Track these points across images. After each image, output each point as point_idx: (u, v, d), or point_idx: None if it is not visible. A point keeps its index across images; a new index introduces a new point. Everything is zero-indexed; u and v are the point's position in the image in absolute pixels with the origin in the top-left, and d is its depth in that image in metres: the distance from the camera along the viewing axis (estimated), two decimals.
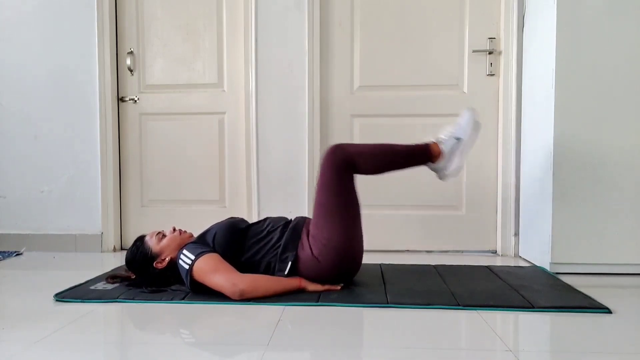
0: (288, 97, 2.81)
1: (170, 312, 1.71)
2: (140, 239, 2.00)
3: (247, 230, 2.02)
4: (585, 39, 2.23)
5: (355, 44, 2.83)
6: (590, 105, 2.24)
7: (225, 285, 1.78)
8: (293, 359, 1.33)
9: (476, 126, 2.03)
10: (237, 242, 1.96)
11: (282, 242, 1.95)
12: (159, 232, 2.01)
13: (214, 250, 1.88)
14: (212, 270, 1.81)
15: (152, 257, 1.95)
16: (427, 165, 2.06)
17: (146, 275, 1.95)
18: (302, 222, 2.04)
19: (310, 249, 1.92)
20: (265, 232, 2.00)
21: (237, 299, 1.77)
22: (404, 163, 2.05)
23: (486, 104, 2.79)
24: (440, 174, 2.07)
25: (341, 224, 1.93)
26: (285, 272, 1.92)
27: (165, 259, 1.94)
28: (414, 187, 2.83)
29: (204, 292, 1.83)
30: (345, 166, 1.95)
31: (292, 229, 1.99)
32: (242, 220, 2.09)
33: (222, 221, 2.05)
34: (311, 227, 1.96)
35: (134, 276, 1.99)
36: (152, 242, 1.97)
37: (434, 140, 2.04)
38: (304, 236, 1.96)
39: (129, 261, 1.99)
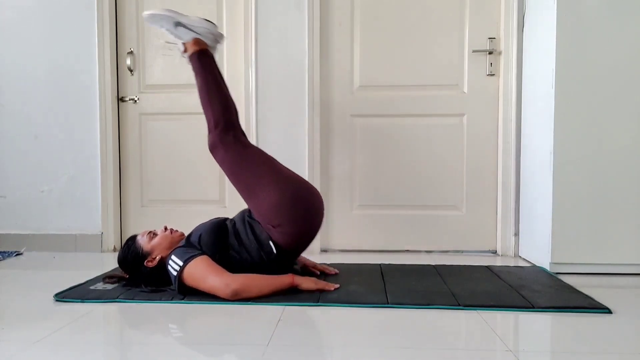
0: (288, 97, 2.81)
1: (170, 312, 1.71)
2: (132, 239, 2.01)
3: (228, 228, 2.03)
4: (585, 39, 2.23)
5: (355, 44, 2.83)
6: (590, 105, 2.24)
7: (218, 287, 1.78)
8: (293, 359, 1.33)
9: (155, 10, 2.13)
10: (223, 241, 1.96)
11: (250, 232, 1.97)
12: (150, 232, 2.02)
13: (202, 253, 1.88)
14: (203, 274, 1.80)
15: (143, 255, 1.95)
16: (213, 50, 2.19)
17: (138, 274, 1.96)
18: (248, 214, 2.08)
19: (271, 226, 1.95)
20: (239, 229, 2.01)
21: (231, 299, 1.77)
22: (214, 77, 2.13)
23: (486, 104, 2.79)
24: (217, 40, 2.20)
25: (271, 186, 1.96)
26: (274, 252, 1.94)
27: (156, 257, 1.94)
28: (414, 187, 2.83)
29: (193, 295, 1.83)
30: (228, 141, 2.05)
31: (247, 219, 2.03)
32: (225, 219, 2.10)
33: (205, 222, 2.06)
34: (255, 214, 2.00)
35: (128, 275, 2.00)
36: (143, 241, 1.98)
37: (183, 49, 2.15)
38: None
39: (120, 260, 2.00)
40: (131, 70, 2.95)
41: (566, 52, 2.24)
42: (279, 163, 2.10)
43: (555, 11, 2.24)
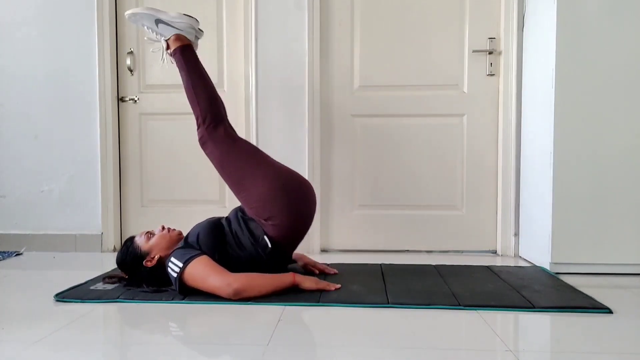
0: (288, 97, 2.81)
1: (171, 312, 1.70)
2: (130, 240, 2.01)
3: (224, 227, 2.03)
4: (585, 39, 2.23)
5: (355, 43, 2.83)
6: (590, 105, 2.24)
7: (219, 286, 1.78)
8: (293, 359, 1.33)
9: (135, 9, 2.16)
10: (221, 240, 1.96)
11: (245, 229, 1.98)
12: (148, 232, 2.01)
13: (201, 253, 1.87)
14: (203, 274, 1.80)
15: (141, 256, 1.95)
16: (195, 46, 2.21)
17: (137, 274, 1.95)
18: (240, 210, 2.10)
19: (263, 220, 1.96)
20: (233, 227, 2.02)
21: (232, 299, 1.77)
22: (199, 71, 2.16)
23: (486, 104, 2.79)
24: (198, 35, 2.21)
25: (259, 176, 2.00)
26: (269, 246, 1.94)
27: (154, 257, 1.94)
28: (414, 187, 2.83)
29: (194, 295, 1.83)
30: (215, 134, 2.09)
31: (240, 215, 2.05)
32: (220, 218, 2.10)
33: (202, 222, 2.06)
34: (245, 208, 2.03)
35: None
36: (141, 241, 1.98)
37: (167, 47, 2.18)
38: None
39: (119, 262, 1.99)
40: (131, 70, 2.95)
41: (566, 52, 2.24)
42: (268, 156, 2.13)
43: (555, 11, 2.24)
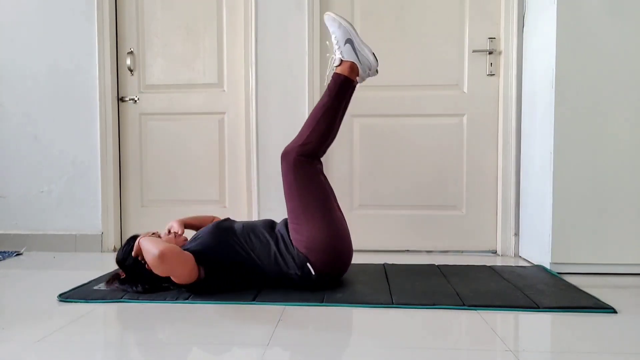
0: (288, 97, 2.81)
1: (172, 312, 1.71)
2: (133, 239, 1.97)
3: (234, 229, 1.98)
4: (585, 39, 2.23)
5: None
6: (590, 105, 2.24)
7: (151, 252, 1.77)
8: (293, 359, 1.32)
9: (340, 18, 2.04)
10: (225, 239, 1.92)
11: (287, 254, 1.92)
12: (154, 233, 1.97)
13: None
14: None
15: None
16: (357, 82, 2.06)
17: (137, 275, 1.92)
18: (283, 228, 2.00)
19: (303, 253, 1.90)
20: (265, 239, 1.96)
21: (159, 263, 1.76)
22: (340, 106, 2.03)
23: (486, 104, 2.79)
24: (369, 75, 2.09)
25: (317, 223, 1.90)
26: (313, 273, 1.89)
27: None
28: (414, 187, 2.83)
29: (199, 292, 1.84)
30: (302, 161, 1.94)
31: (285, 236, 1.97)
32: (226, 219, 2.06)
33: (207, 227, 2.03)
34: (291, 234, 1.94)
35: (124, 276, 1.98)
36: None
37: (337, 64, 2.03)
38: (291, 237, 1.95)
39: (119, 260, 1.95)
40: (131, 70, 2.95)
41: (566, 52, 2.24)
42: (335, 201, 2.03)
43: (555, 11, 2.24)
